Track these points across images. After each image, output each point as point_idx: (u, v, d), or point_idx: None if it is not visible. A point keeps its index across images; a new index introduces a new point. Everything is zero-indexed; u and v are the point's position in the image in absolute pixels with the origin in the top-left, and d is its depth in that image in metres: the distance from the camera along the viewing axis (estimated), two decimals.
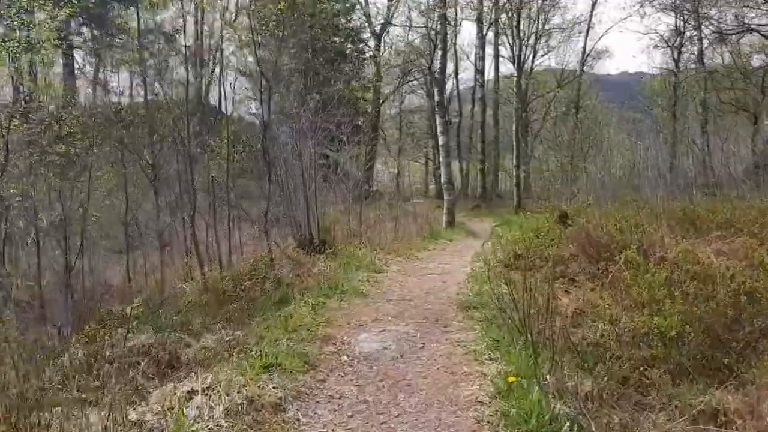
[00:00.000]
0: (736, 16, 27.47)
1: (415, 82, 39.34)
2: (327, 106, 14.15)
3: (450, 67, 29.31)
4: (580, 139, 23.74)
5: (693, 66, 27.48)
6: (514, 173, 25.68)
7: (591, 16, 29.29)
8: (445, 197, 16.10)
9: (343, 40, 31.28)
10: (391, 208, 17.54)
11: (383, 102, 34.15)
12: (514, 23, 26.58)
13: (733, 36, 27.29)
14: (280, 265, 8.71)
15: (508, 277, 7.97)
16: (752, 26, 27.01)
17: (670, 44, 24.53)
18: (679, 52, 24.10)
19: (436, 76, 16.55)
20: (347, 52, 31.71)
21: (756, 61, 28.55)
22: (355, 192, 13.30)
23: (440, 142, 16.51)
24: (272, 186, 11.69)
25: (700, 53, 24.34)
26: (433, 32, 25.13)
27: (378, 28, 32.97)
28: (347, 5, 29.93)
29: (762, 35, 26.43)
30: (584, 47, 29.85)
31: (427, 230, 14.80)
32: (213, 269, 8.30)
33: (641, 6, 25.43)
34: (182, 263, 9.10)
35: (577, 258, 8.68)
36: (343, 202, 13.28)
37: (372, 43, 32.86)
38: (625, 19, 28.45)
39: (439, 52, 16.45)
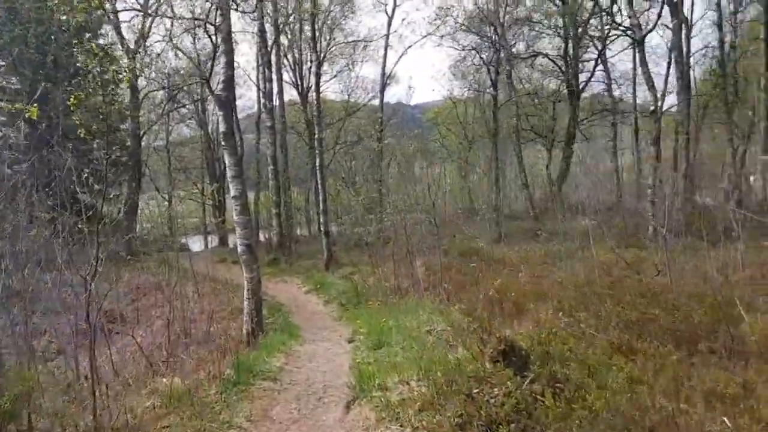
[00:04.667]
0: (527, 42, 26.56)
1: (185, 110, 33.22)
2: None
3: None
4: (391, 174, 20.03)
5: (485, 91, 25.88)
6: (322, 219, 20.80)
7: (388, 36, 26.04)
8: (246, 275, 10.36)
9: (87, 59, 24.02)
10: (161, 268, 13.54)
11: (144, 133, 27.16)
12: (309, 41, 21.78)
13: (524, 60, 26.24)
14: None
15: None
16: (540, 51, 26.27)
17: (487, 64, 22.02)
18: (497, 73, 21.60)
19: (219, 92, 10.78)
20: (93, 73, 24.42)
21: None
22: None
23: (233, 192, 10.66)
24: None
25: (509, 75, 22.22)
26: (204, 33, 19.23)
27: (132, 44, 26.12)
28: (93, 16, 22.76)
29: (549, 58, 25.68)
30: (383, 69, 26.44)
31: (218, 343, 9.00)
32: None
33: (438, 25, 23.02)
34: None
35: None
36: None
37: (125, 61, 25.85)
38: (426, 36, 25.89)
39: (223, 58, 10.78)
